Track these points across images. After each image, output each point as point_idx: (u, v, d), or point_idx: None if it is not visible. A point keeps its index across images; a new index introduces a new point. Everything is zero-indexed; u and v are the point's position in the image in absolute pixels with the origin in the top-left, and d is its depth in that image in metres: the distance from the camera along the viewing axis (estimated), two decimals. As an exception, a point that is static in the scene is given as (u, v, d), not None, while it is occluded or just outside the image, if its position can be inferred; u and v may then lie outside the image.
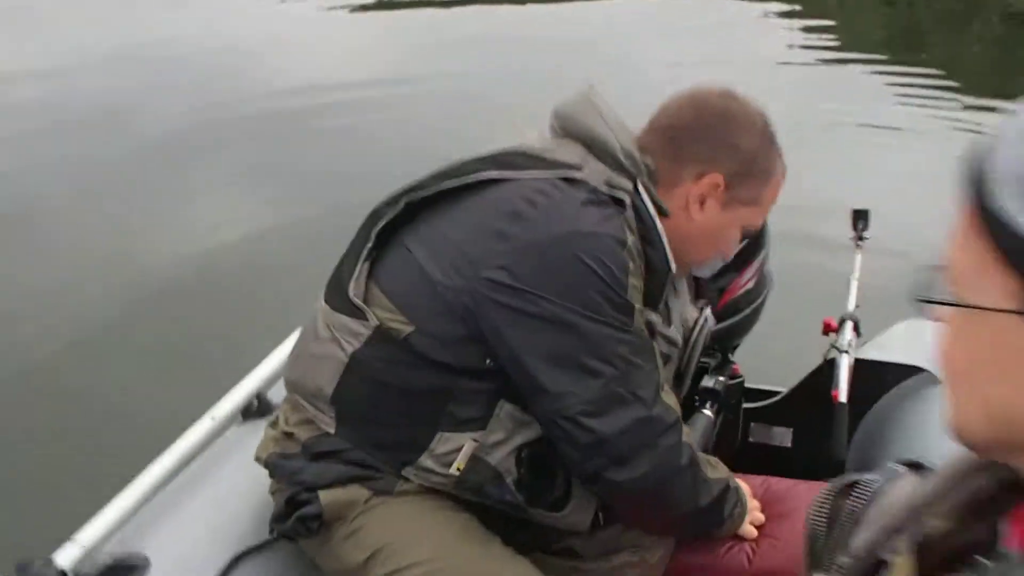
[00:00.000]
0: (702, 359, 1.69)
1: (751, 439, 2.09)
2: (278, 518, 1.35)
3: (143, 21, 8.28)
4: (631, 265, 1.25)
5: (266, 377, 1.68)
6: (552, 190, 1.27)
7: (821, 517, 0.79)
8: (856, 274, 2.12)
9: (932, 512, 0.65)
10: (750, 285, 1.75)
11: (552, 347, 1.23)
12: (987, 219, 0.55)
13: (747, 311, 1.79)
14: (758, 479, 1.58)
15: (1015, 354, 0.54)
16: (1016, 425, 0.55)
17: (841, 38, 8.88)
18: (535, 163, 1.31)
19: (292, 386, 1.40)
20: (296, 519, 1.30)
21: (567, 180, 1.28)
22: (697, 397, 1.72)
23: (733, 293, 1.71)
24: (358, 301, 1.31)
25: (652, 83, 4.23)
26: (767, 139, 1.37)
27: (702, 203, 1.35)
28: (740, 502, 1.44)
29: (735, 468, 1.49)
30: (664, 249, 1.31)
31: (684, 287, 1.52)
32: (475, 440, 1.27)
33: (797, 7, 9.88)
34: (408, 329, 1.28)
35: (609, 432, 1.23)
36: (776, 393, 2.09)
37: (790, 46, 8.29)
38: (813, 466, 1.80)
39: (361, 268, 1.33)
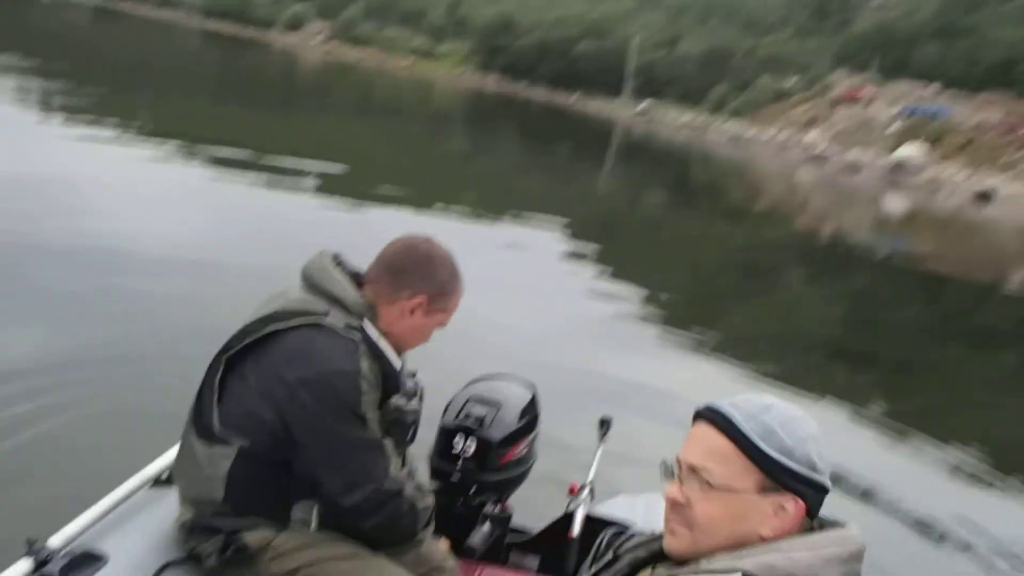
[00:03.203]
0: (480, 498, 2.53)
1: (511, 562, 2.92)
2: (209, 553, 1.96)
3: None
4: (364, 385, 1.91)
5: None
6: (307, 341, 1.92)
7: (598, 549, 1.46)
8: (597, 456, 2.99)
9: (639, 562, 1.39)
10: (524, 452, 2.64)
11: (319, 454, 1.90)
12: (746, 449, 1.23)
13: (518, 471, 2.65)
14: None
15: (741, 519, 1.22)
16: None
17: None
18: (297, 315, 1.95)
19: (191, 500, 2.01)
20: (234, 550, 1.93)
21: (318, 326, 1.93)
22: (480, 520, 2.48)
23: (512, 456, 2.59)
24: (223, 433, 1.94)
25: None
26: (454, 271, 2.10)
27: (413, 312, 2.06)
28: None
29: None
30: (391, 361, 2.00)
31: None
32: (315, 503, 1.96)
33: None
34: (246, 443, 1.92)
35: (356, 502, 1.93)
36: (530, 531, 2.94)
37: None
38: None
39: (215, 405, 1.96)
